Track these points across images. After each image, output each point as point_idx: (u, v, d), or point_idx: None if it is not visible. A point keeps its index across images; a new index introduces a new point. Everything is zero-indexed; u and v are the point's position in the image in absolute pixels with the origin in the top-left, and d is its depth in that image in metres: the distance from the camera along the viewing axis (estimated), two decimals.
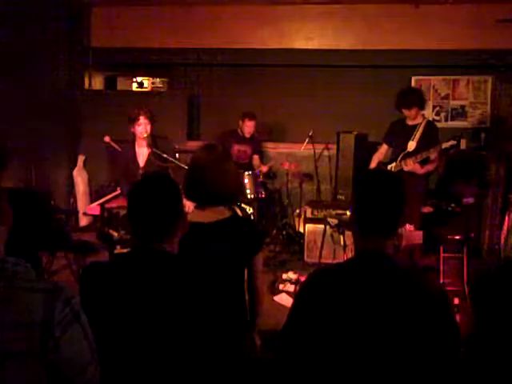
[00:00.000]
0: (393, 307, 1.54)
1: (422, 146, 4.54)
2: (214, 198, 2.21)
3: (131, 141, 4.60)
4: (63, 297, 1.25)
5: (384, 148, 4.91)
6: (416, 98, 4.59)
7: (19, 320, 1.20)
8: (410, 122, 4.67)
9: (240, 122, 6.04)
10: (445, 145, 4.47)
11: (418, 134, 4.59)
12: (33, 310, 1.21)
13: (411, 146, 4.60)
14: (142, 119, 4.42)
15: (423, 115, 4.76)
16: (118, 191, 4.90)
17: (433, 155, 4.55)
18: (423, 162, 4.56)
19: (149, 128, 4.46)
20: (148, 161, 4.53)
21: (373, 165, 4.88)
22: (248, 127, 5.98)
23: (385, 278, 1.57)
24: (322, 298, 1.60)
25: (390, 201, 1.62)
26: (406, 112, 4.63)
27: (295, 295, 1.72)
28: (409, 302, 1.54)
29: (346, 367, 1.56)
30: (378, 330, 1.53)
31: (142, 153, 4.58)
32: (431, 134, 4.58)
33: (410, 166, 4.53)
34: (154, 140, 4.54)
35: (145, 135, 4.44)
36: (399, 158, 4.66)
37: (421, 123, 4.62)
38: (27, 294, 1.22)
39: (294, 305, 1.70)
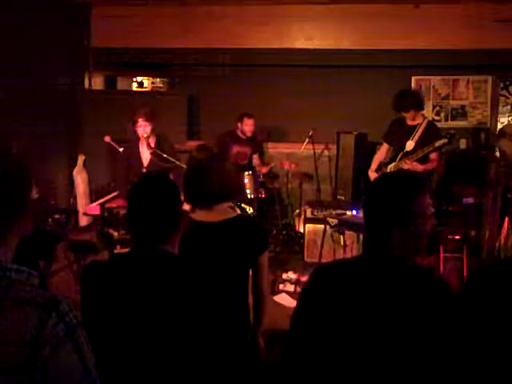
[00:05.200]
0: (400, 304, 1.54)
1: (420, 147, 4.54)
2: (214, 198, 2.21)
3: (135, 140, 4.63)
4: (58, 312, 1.17)
5: (385, 147, 4.91)
6: (411, 101, 4.56)
7: (9, 334, 1.14)
8: (410, 122, 4.66)
9: (239, 124, 6.05)
10: (438, 143, 4.47)
11: (417, 134, 4.59)
12: (24, 324, 1.14)
13: (410, 145, 4.60)
14: (141, 121, 4.46)
15: (423, 115, 4.75)
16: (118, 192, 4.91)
17: (431, 154, 4.55)
18: (423, 161, 4.56)
19: (149, 129, 4.48)
20: (151, 161, 4.58)
21: (374, 165, 4.88)
22: (248, 126, 6.00)
23: (394, 276, 1.57)
24: (327, 294, 1.60)
25: (396, 204, 1.61)
26: (404, 114, 4.63)
27: (301, 292, 1.71)
28: (417, 299, 1.54)
29: (354, 364, 1.56)
30: (384, 326, 1.53)
31: (146, 152, 4.62)
32: (431, 135, 4.57)
33: (408, 165, 4.52)
34: (158, 140, 4.59)
35: (145, 135, 4.48)
36: (398, 158, 4.66)
37: (421, 124, 4.61)
38: (21, 306, 1.16)
39: (299, 302, 1.69)
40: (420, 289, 1.56)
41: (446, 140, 4.46)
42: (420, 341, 1.53)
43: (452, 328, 1.56)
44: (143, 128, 4.47)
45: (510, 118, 6.40)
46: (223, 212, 2.23)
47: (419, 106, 4.63)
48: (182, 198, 2.06)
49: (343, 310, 1.57)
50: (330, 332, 1.59)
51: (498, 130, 6.51)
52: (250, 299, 2.36)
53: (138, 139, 4.62)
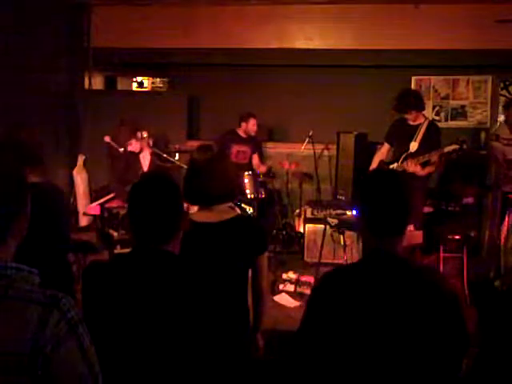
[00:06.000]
0: (409, 307, 1.55)
1: (423, 148, 4.53)
2: (214, 198, 2.21)
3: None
4: (59, 310, 1.18)
5: (385, 148, 4.90)
6: (412, 102, 4.56)
7: (11, 333, 1.15)
8: (411, 123, 4.66)
9: (243, 124, 6.06)
10: (447, 148, 4.44)
11: (419, 135, 4.58)
12: (26, 323, 1.15)
13: (413, 146, 4.59)
14: (126, 145, 4.55)
15: (424, 116, 4.75)
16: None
17: (434, 158, 4.54)
18: (424, 164, 4.55)
19: (138, 146, 4.55)
20: (151, 163, 4.62)
21: (374, 165, 4.87)
22: (254, 125, 6.06)
23: (400, 279, 1.58)
24: (337, 298, 1.60)
25: (402, 201, 1.63)
26: (405, 115, 4.63)
27: (310, 295, 1.71)
28: (424, 302, 1.56)
29: (363, 366, 1.56)
30: (393, 329, 1.54)
31: (145, 155, 4.67)
32: (433, 136, 4.56)
33: (412, 168, 4.50)
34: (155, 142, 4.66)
35: (145, 135, 4.54)
36: (401, 159, 4.65)
37: (423, 124, 4.61)
38: (22, 305, 1.17)
39: (309, 305, 1.69)
40: (428, 292, 1.57)
41: (456, 146, 4.42)
42: (426, 342, 1.54)
43: (456, 330, 1.58)
44: (132, 146, 4.57)
45: (500, 119, 6.40)
46: (223, 212, 2.24)
47: (420, 107, 4.63)
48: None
49: (354, 314, 1.57)
50: (342, 335, 1.59)
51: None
52: (250, 299, 2.36)
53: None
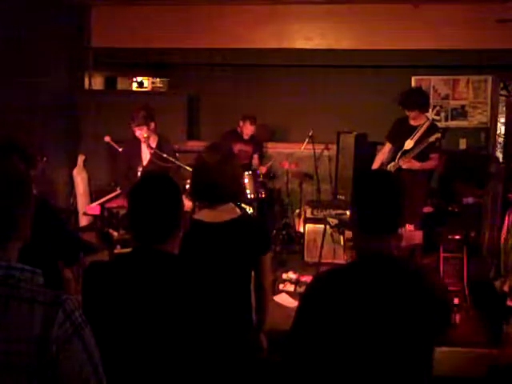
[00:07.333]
0: (401, 309, 1.55)
1: (418, 146, 4.56)
2: (221, 197, 2.21)
3: (137, 138, 4.66)
4: (64, 310, 1.19)
5: (387, 147, 4.91)
6: (418, 101, 4.58)
7: (16, 333, 1.15)
8: (412, 122, 4.67)
9: (241, 123, 6.06)
10: (431, 138, 4.49)
11: (417, 134, 4.60)
12: (31, 323, 1.16)
13: (408, 144, 4.61)
14: (135, 128, 4.51)
15: (426, 117, 4.76)
16: (118, 191, 4.91)
17: (431, 154, 4.56)
18: (421, 159, 4.57)
19: (145, 132, 4.51)
20: (151, 160, 4.59)
21: (375, 165, 4.88)
22: (248, 130, 6.03)
23: (394, 280, 1.58)
24: (330, 299, 1.60)
25: (393, 199, 1.63)
26: (407, 112, 4.64)
27: (302, 296, 1.71)
28: (417, 304, 1.56)
29: (354, 367, 1.56)
30: (385, 330, 1.54)
31: (146, 151, 4.65)
32: (430, 135, 4.58)
33: (406, 163, 4.53)
34: (159, 141, 4.61)
35: (145, 135, 4.50)
36: (397, 157, 4.67)
37: (423, 125, 4.62)
38: (27, 305, 1.17)
39: (300, 306, 1.69)
40: (421, 294, 1.58)
41: (438, 134, 4.49)
42: (418, 344, 1.55)
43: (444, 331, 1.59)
44: (140, 133, 4.53)
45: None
46: (226, 212, 2.24)
47: (424, 107, 4.65)
48: (184, 197, 2.07)
49: (347, 315, 1.57)
50: (332, 334, 1.59)
51: None
52: (253, 299, 2.36)
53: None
